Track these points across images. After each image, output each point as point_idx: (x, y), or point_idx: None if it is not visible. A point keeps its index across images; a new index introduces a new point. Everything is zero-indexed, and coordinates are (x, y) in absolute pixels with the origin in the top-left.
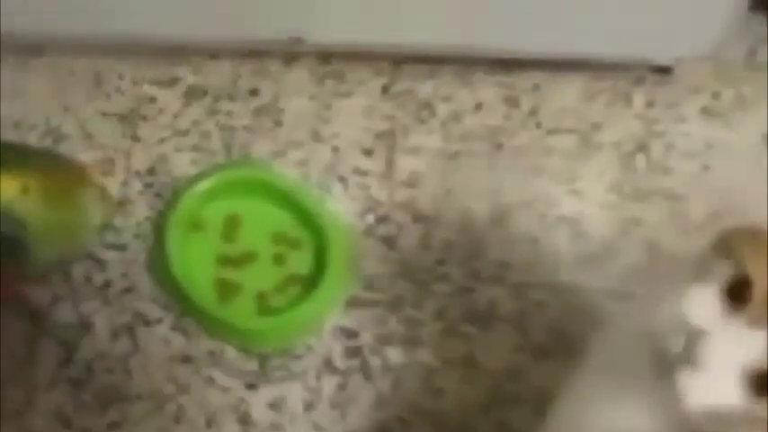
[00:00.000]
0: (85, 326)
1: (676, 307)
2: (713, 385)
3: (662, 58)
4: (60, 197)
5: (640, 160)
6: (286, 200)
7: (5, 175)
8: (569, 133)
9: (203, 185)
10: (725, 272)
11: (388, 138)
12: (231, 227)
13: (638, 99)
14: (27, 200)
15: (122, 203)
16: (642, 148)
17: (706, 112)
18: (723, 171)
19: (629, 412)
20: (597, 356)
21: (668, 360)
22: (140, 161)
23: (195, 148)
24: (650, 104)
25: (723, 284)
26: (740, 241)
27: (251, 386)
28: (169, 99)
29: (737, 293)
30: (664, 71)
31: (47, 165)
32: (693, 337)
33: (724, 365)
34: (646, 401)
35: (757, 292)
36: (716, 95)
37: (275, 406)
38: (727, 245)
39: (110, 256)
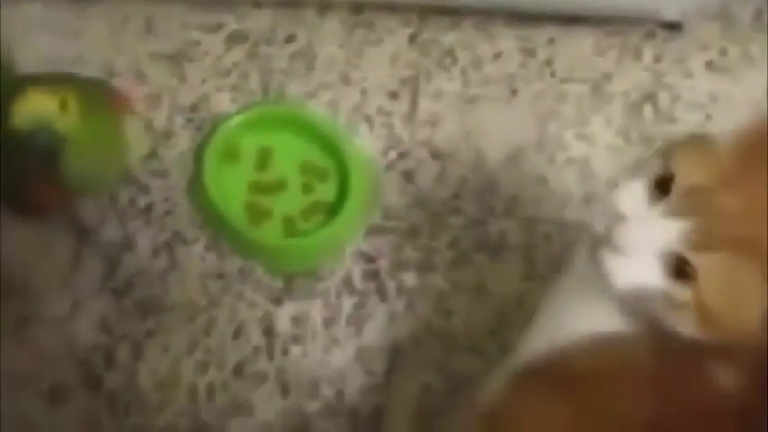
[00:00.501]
0: (129, 243)
1: (612, 198)
2: (634, 267)
3: (671, 14)
4: (100, 117)
5: (647, 109)
6: (315, 134)
7: (45, 91)
8: (581, 83)
9: (239, 119)
10: (656, 168)
11: (412, 82)
12: (264, 157)
13: (648, 53)
14: (66, 116)
15: (166, 135)
16: (649, 98)
17: (712, 67)
18: (726, 122)
19: (599, 313)
20: (574, 265)
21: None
22: (184, 98)
23: (234, 88)
24: (659, 59)
25: (651, 178)
26: (676, 144)
27: (276, 302)
28: (213, 43)
29: (663, 187)
30: (673, 27)
31: (88, 86)
32: (614, 221)
33: (642, 250)
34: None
35: (676, 185)
36: (722, 52)
37: (298, 320)
38: (666, 147)
39: (153, 182)
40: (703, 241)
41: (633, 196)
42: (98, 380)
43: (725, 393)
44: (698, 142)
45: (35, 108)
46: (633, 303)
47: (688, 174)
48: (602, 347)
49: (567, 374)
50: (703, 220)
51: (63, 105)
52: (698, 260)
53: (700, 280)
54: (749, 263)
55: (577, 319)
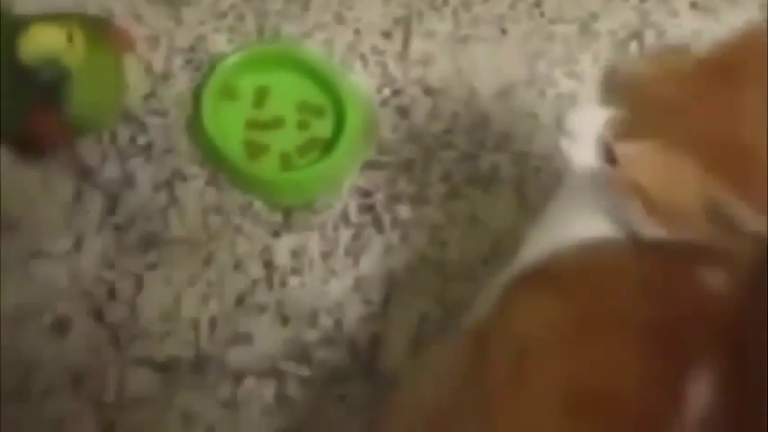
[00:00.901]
0: (129, 181)
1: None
2: (582, 151)
3: None
4: (103, 53)
5: (634, 47)
6: (311, 73)
7: (54, 26)
8: (569, 23)
9: (237, 59)
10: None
11: (405, 22)
12: (260, 96)
13: None
14: (72, 50)
15: (165, 76)
16: (636, 36)
17: (696, 6)
18: None
19: (588, 221)
20: (567, 181)
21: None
22: (182, 40)
23: (231, 30)
24: None
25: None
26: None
27: (275, 235)
28: None
29: None
30: None
31: (92, 23)
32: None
33: (586, 135)
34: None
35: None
36: None
37: (296, 253)
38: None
39: (153, 120)
40: (628, 130)
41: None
42: (101, 312)
43: (715, 297)
44: (671, 52)
45: (43, 41)
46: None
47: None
48: (591, 250)
49: (558, 274)
50: (635, 111)
51: (70, 39)
52: (620, 148)
53: (624, 166)
54: (685, 155)
55: (567, 228)
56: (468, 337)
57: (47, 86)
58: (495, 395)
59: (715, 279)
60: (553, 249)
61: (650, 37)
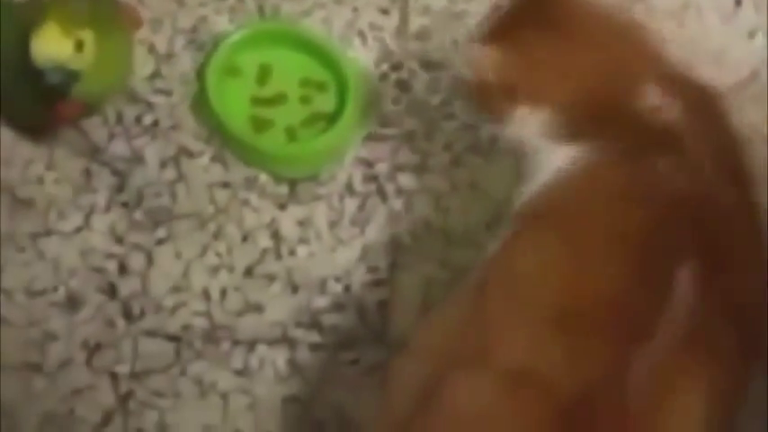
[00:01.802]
0: (137, 158)
1: None
2: None
3: None
4: (114, 34)
5: None
6: (312, 49)
7: (62, 31)
8: None
9: (239, 37)
10: None
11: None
12: (264, 73)
13: None
14: (81, 56)
15: (168, 56)
16: (626, 11)
17: None
18: (696, 27)
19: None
20: None
21: None
22: (184, 21)
23: (232, 10)
24: None
25: None
26: None
27: (282, 207)
28: None
29: None
30: None
31: (102, 14)
32: None
33: None
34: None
35: None
36: None
37: (303, 223)
38: None
39: (158, 99)
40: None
41: None
42: (112, 287)
43: (680, 188)
44: None
45: (51, 50)
46: None
47: None
48: (563, 179)
49: (543, 209)
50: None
51: (79, 47)
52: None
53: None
54: None
55: (543, 167)
56: (471, 290)
57: (55, 87)
58: (491, 315)
59: (670, 167)
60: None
61: (639, 10)
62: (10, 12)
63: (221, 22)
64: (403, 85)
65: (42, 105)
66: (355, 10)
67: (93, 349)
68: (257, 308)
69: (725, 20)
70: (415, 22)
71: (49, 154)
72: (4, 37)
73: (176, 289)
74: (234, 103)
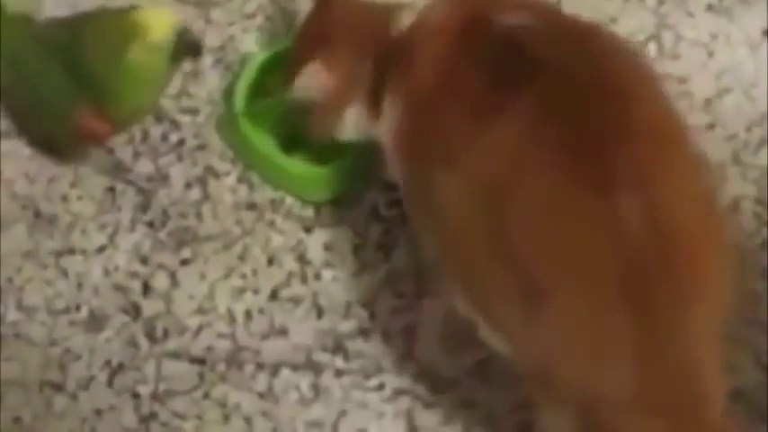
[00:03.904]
0: (162, 177)
1: None
2: None
3: None
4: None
5: (652, 48)
6: None
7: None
8: None
9: (268, 56)
10: None
11: None
12: None
13: None
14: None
15: (195, 75)
16: (654, 37)
17: (711, 8)
18: (725, 58)
19: None
20: None
21: None
22: (212, 40)
23: (260, 29)
24: (661, 2)
25: None
26: None
27: (308, 230)
28: None
29: None
30: None
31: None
32: None
33: None
34: None
35: None
36: None
37: (329, 247)
38: None
39: (184, 118)
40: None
41: None
42: (136, 307)
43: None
44: None
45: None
46: None
47: None
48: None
49: None
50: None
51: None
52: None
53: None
54: None
55: None
56: None
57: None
58: None
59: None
60: None
61: (668, 39)
62: (29, 29)
63: (249, 42)
64: None
65: (70, 125)
66: None
67: (115, 370)
68: (282, 331)
69: (754, 50)
70: None
71: (74, 171)
72: (29, 55)
73: (200, 310)
74: (261, 124)
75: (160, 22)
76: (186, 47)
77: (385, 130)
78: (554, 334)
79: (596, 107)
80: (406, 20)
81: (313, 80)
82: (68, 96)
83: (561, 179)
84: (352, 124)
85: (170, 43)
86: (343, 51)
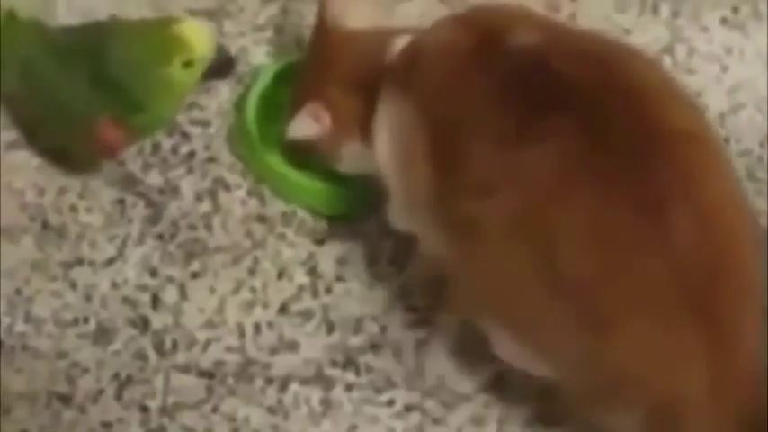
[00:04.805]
0: (172, 190)
1: None
2: None
3: None
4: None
5: (666, 61)
6: None
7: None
8: None
9: (278, 69)
10: None
11: None
12: None
13: (665, 10)
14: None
15: (207, 86)
16: (668, 51)
17: (726, 22)
18: (739, 72)
19: None
20: None
21: None
22: None
23: (270, 42)
24: (675, 15)
25: None
26: None
27: (319, 243)
28: (249, 0)
29: None
30: None
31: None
32: None
33: None
34: None
35: None
36: (735, 10)
37: (341, 261)
38: None
39: (195, 130)
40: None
41: None
42: (145, 320)
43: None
44: None
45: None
46: None
47: None
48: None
49: None
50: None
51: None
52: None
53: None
54: None
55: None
56: None
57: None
58: None
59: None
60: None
61: (681, 52)
62: (43, 35)
63: (259, 54)
64: None
65: (87, 135)
66: None
67: (123, 382)
68: (292, 345)
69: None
70: None
71: (83, 183)
72: (44, 62)
73: (210, 324)
74: (272, 136)
75: (201, 38)
76: (220, 64)
77: (386, 161)
78: (625, 354)
79: (629, 120)
80: (397, 45)
81: (307, 125)
82: (87, 106)
83: (608, 200)
84: (351, 159)
85: (207, 60)
86: (338, 90)
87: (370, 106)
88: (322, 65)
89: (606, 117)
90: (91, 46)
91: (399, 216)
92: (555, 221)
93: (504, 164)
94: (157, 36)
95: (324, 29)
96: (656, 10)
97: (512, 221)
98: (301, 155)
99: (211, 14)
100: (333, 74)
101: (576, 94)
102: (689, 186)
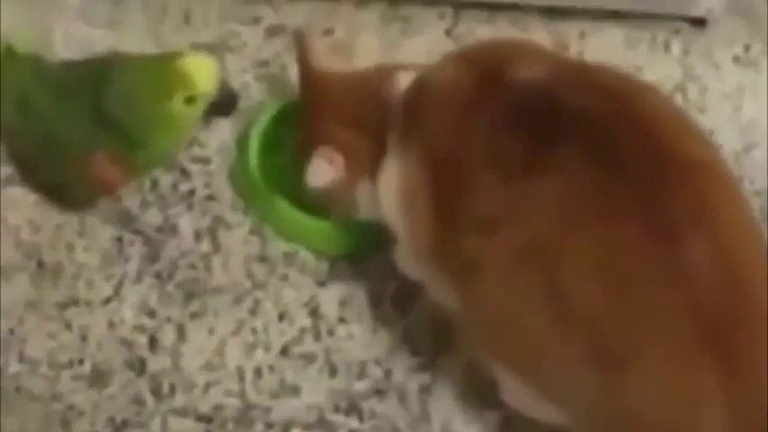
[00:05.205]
0: (171, 228)
1: None
2: None
3: (698, 11)
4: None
5: (678, 99)
6: None
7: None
8: None
9: (281, 107)
10: None
11: None
12: None
13: (676, 47)
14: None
15: (207, 123)
16: (680, 89)
17: (738, 61)
18: (752, 111)
19: None
20: None
21: None
22: None
23: (273, 79)
24: (686, 52)
25: None
26: None
27: (321, 284)
28: (252, 35)
29: None
30: (699, 23)
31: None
32: None
33: None
34: None
35: None
36: (747, 47)
37: (343, 302)
38: None
39: (195, 167)
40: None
41: None
42: (142, 362)
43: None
44: None
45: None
46: None
47: None
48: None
49: None
50: None
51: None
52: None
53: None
54: None
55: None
56: None
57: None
58: None
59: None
60: None
61: (693, 90)
62: (42, 69)
63: (263, 91)
64: None
65: (84, 172)
66: None
67: (119, 427)
68: (293, 390)
69: None
70: None
71: (80, 220)
72: (42, 96)
73: (209, 366)
74: (275, 175)
75: (204, 74)
76: (223, 101)
77: (389, 201)
78: (639, 394)
79: (641, 150)
80: (403, 82)
81: (324, 170)
82: (84, 141)
83: (618, 229)
84: (366, 202)
85: (210, 96)
86: (342, 130)
87: (376, 144)
88: (319, 108)
89: (617, 147)
90: (90, 80)
91: (406, 262)
92: (562, 253)
93: (509, 197)
94: (159, 70)
95: (310, 73)
96: (667, 47)
97: (517, 256)
98: (303, 191)
99: (213, 49)
100: (333, 115)
101: (586, 125)
102: (704, 215)
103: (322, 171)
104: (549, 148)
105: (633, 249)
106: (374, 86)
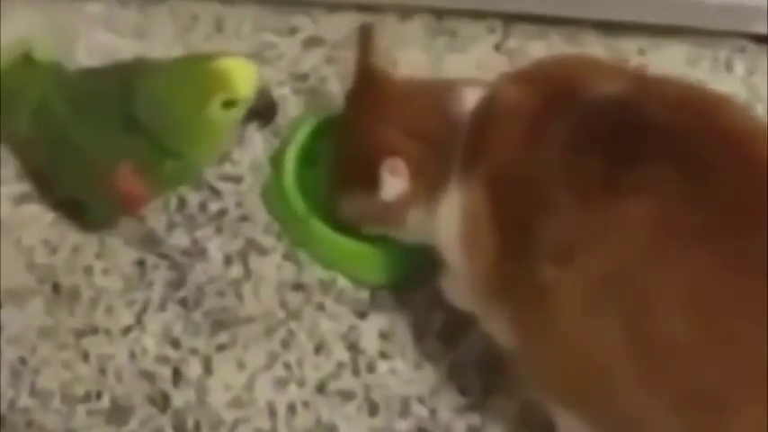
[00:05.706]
0: (199, 251)
1: None
2: None
3: (761, 28)
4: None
5: None
6: None
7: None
8: None
9: (319, 123)
10: None
11: None
12: None
13: (740, 66)
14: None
15: (239, 139)
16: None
17: None
18: None
19: None
20: None
21: None
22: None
23: (312, 92)
24: (751, 72)
25: None
26: None
27: (361, 315)
28: (289, 46)
29: None
30: (764, 41)
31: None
32: None
33: None
34: None
35: None
36: None
37: (385, 335)
38: None
39: (226, 186)
40: None
41: None
42: (165, 397)
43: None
44: None
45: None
46: None
47: None
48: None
49: None
50: None
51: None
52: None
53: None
54: None
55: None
56: None
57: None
58: None
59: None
60: None
61: (760, 111)
62: (62, 78)
63: (299, 104)
64: None
65: (108, 186)
66: None
67: None
68: (330, 429)
69: None
70: None
71: (100, 241)
72: (62, 106)
73: (237, 402)
74: (312, 195)
75: (245, 76)
76: (262, 108)
77: (450, 230)
78: None
79: (734, 168)
80: (470, 99)
81: (395, 182)
82: (107, 151)
83: (716, 261)
84: (417, 225)
85: (249, 101)
86: (408, 142)
87: (439, 163)
88: (382, 113)
89: (708, 165)
90: (113, 88)
91: (458, 294)
92: (649, 285)
93: (588, 222)
94: (195, 73)
95: (372, 73)
96: (729, 66)
97: (597, 287)
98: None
99: (247, 60)
100: (399, 123)
101: (674, 141)
102: None
103: (394, 184)
104: (631, 166)
105: (730, 284)
106: (441, 99)
